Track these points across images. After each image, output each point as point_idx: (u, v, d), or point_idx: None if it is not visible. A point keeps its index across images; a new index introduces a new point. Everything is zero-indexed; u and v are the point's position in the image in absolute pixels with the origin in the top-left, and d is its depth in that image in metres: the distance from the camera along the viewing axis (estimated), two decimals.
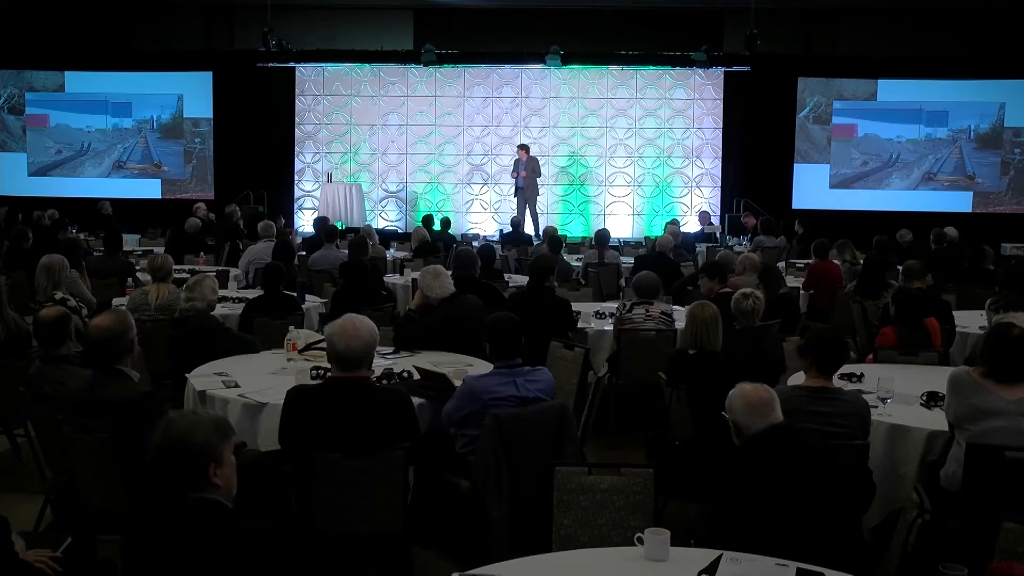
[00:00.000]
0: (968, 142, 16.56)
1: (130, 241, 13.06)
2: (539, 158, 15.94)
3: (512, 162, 15.85)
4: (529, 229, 14.76)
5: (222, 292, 7.17)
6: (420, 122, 17.05)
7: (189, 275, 6.42)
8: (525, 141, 16.22)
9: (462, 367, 5.06)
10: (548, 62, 15.84)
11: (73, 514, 4.12)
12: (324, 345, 4.16)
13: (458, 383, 4.54)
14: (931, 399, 4.69)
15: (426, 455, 4.32)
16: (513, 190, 15.92)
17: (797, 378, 4.75)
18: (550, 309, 6.69)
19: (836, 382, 4.37)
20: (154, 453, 2.62)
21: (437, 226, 13.43)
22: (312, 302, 7.70)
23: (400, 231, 16.17)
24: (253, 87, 16.73)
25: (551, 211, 16.75)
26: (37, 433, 4.92)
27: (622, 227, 16.58)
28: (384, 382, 4.73)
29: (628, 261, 10.95)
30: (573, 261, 11.16)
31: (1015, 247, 14.37)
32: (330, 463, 3.77)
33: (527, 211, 15.40)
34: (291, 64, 16.61)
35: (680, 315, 6.57)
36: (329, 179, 16.58)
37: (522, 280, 8.86)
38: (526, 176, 15.35)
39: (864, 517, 4.13)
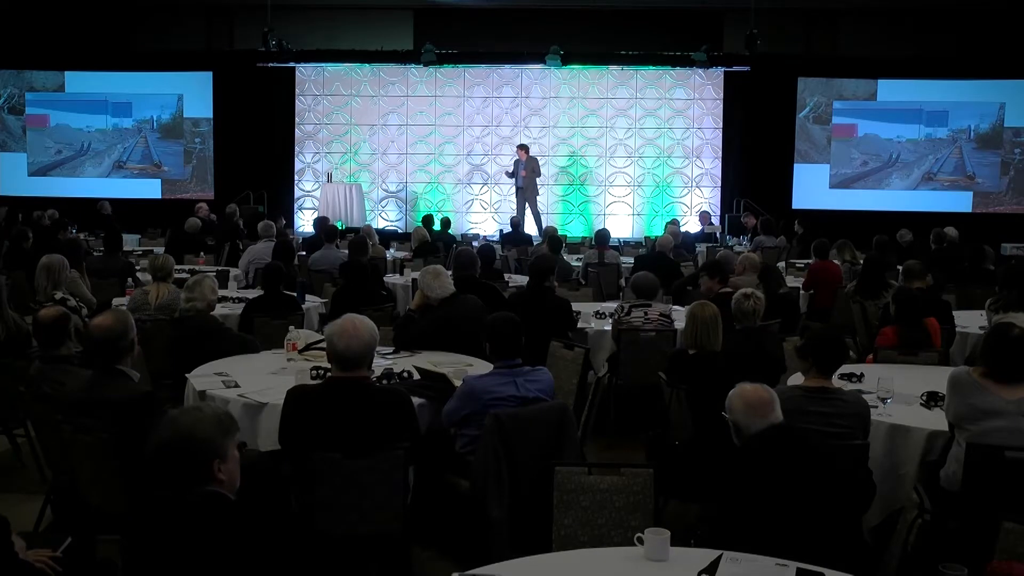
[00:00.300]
0: (968, 142, 16.56)
1: (130, 241, 13.06)
2: (539, 158, 15.93)
3: (512, 162, 15.81)
4: (531, 229, 14.76)
5: (222, 292, 7.17)
6: (420, 122, 17.05)
7: (189, 275, 6.42)
8: (525, 141, 16.23)
9: (462, 367, 5.06)
10: (548, 62, 15.83)
11: (73, 514, 4.12)
12: (324, 345, 4.16)
13: (458, 383, 4.54)
14: (931, 399, 4.69)
15: (426, 455, 4.32)
16: (514, 190, 15.91)
17: (797, 378, 4.74)
18: (550, 309, 6.69)
19: (836, 382, 4.37)
20: (158, 449, 2.64)
21: (437, 226, 13.43)
22: (312, 302, 7.70)
23: (400, 231, 16.17)
24: (253, 87, 16.73)
25: (551, 211, 16.75)
26: (37, 433, 4.92)
27: (622, 227, 16.58)
28: (384, 382, 4.73)
29: (628, 261, 10.95)
30: (573, 261, 11.16)
31: (1015, 247, 14.37)
32: (330, 463, 3.77)
33: (527, 211, 15.40)
34: (291, 64, 16.62)
35: (680, 315, 6.57)
36: (329, 179, 16.58)
37: (522, 280, 8.86)
38: (526, 176, 15.34)
39: (864, 517, 4.12)
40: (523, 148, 15.63)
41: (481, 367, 5.04)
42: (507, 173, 15.92)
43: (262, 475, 3.88)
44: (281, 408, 4.04)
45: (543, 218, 15.93)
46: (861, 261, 9.00)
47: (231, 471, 2.68)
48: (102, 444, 3.86)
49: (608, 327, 6.92)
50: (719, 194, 16.88)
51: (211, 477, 2.62)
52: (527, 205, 15.48)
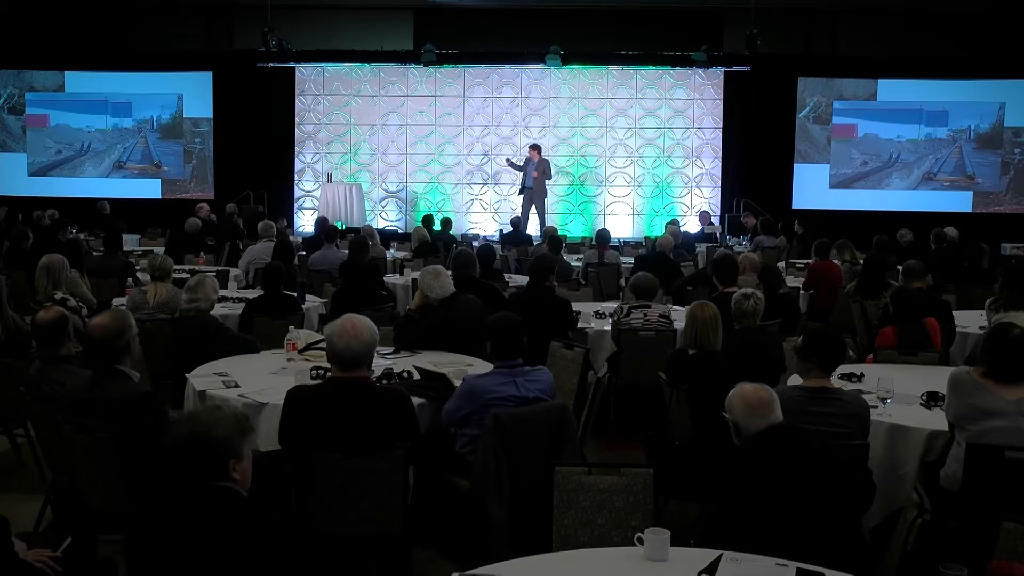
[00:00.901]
0: (968, 142, 16.56)
1: (130, 241, 13.06)
2: None
3: (522, 161, 15.74)
4: (535, 229, 14.72)
5: (222, 292, 7.17)
6: (420, 122, 17.05)
7: (189, 275, 6.43)
8: (526, 141, 16.23)
9: (462, 367, 5.06)
10: (548, 62, 15.83)
11: (73, 514, 4.12)
12: (324, 345, 4.16)
13: (458, 383, 4.54)
14: (931, 399, 4.69)
15: (426, 455, 4.32)
16: (519, 189, 15.85)
17: (797, 378, 4.74)
18: (550, 309, 6.69)
19: (836, 382, 4.37)
20: (176, 445, 2.66)
21: (437, 226, 13.43)
22: (312, 302, 7.70)
23: (400, 231, 16.17)
24: (253, 87, 16.74)
25: (551, 211, 16.73)
26: (37, 433, 4.92)
27: (622, 227, 16.58)
28: (384, 382, 4.73)
29: (628, 261, 10.95)
30: (573, 261, 11.16)
31: (1015, 247, 14.37)
32: (330, 463, 3.77)
33: (532, 211, 15.35)
34: (291, 64, 16.62)
35: (680, 315, 6.57)
36: (329, 179, 16.58)
37: (522, 280, 8.85)
38: (537, 177, 15.30)
39: (864, 517, 4.12)
40: (536, 149, 15.56)
41: (481, 367, 5.04)
42: (508, 160, 15.88)
43: (262, 475, 3.88)
44: (281, 408, 4.04)
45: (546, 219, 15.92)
46: (861, 261, 9.00)
47: (245, 470, 2.72)
48: (102, 444, 3.86)
49: (608, 327, 6.92)
50: (719, 194, 16.87)
51: (226, 476, 2.66)
52: (533, 206, 15.44)
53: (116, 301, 7.46)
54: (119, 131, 17.42)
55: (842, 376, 5.00)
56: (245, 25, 16.76)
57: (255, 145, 16.72)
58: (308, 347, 5.41)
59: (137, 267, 9.04)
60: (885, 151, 16.69)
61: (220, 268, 9.90)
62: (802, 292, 8.98)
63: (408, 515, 3.97)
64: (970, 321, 7.08)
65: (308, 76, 17.09)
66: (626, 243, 14.54)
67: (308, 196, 17.32)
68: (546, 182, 15.57)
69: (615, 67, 16.58)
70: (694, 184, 17.03)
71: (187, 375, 5.02)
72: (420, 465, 4.29)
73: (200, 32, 17.40)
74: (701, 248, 13.06)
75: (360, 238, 9.34)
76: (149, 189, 17.47)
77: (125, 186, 17.38)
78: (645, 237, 15.41)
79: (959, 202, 16.59)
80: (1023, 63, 15.84)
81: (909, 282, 7.14)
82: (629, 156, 17.01)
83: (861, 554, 3.53)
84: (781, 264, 10.74)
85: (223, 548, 2.53)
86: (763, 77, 16.25)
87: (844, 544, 3.28)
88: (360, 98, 17.08)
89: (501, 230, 15.33)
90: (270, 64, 16.19)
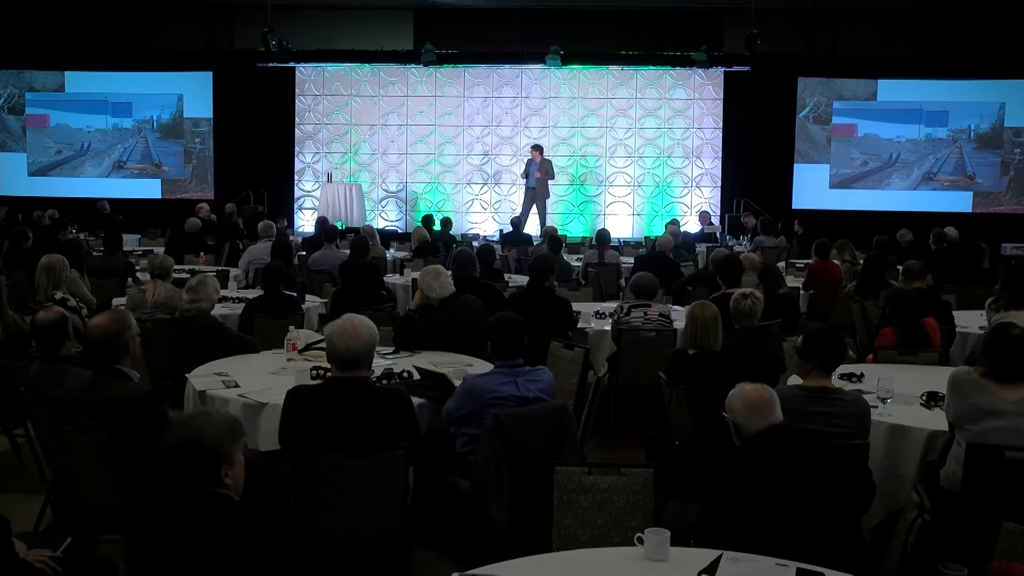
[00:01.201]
0: (968, 142, 16.56)
1: (130, 241, 13.07)
2: None
3: (524, 162, 15.73)
4: (534, 229, 14.71)
5: (222, 292, 7.17)
6: (420, 122, 17.05)
7: (189, 275, 6.42)
8: (526, 141, 16.22)
9: (462, 367, 5.07)
10: (548, 62, 15.83)
11: (73, 514, 4.12)
12: (324, 345, 4.16)
13: (458, 383, 4.54)
14: (931, 399, 4.69)
15: (426, 455, 4.32)
16: (514, 189, 15.84)
17: (796, 379, 4.74)
18: (550, 309, 6.69)
19: (836, 382, 4.37)
20: (168, 451, 2.66)
21: (437, 226, 13.43)
22: (312, 302, 7.70)
23: (400, 231, 16.16)
24: (253, 87, 16.74)
25: (551, 211, 16.73)
26: (37, 433, 4.92)
27: (622, 227, 16.58)
28: (384, 382, 4.73)
29: (628, 261, 10.95)
30: (573, 261, 11.16)
31: (1015, 247, 14.37)
32: (330, 463, 3.77)
33: (532, 211, 15.33)
34: (291, 64, 16.62)
35: (680, 315, 6.57)
36: (329, 179, 16.58)
37: (522, 280, 8.85)
38: (540, 178, 15.29)
39: (864, 517, 4.13)
40: (537, 149, 15.55)
41: (481, 367, 5.04)
42: (523, 175, 15.90)
43: (262, 475, 3.88)
44: (281, 408, 4.04)
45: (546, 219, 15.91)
46: (861, 261, 9.00)
47: (237, 475, 2.71)
48: (102, 444, 3.86)
49: (608, 327, 6.92)
50: (719, 194, 16.87)
51: (218, 481, 2.65)
52: (535, 206, 15.42)
53: (116, 301, 7.46)
54: (119, 131, 17.42)
55: (842, 376, 5.00)
56: (245, 25, 16.75)
57: (255, 145, 16.72)
58: (308, 347, 5.41)
59: (137, 267, 9.04)
60: (885, 151, 16.69)
61: (220, 268, 9.90)
62: (802, 292, 8.98)
63: (408, 515, 3.97)
64: (970, 321, 7.08)
65: (308, 76, 17.09)
66: (626, 243, 14.54)
67: (308, 196, 17.32)
68: (549, 182, 15.56)
69: (615, 67, 16.58)
70: (694, 184, 17.02)
71: (187, 375, 5.02)
72: (420, 465, 4.29)
73: (200, 32, 17.40)
74: (701, 248, 13.05)
75: (360, 238, 9.34)
76: (149, 189, 17.47)
77: (125, 186, 17.38)
78: (645, 237, 15.41)
79: (959, 202, 16.59)
80: (1023, 63, 15.84)
81: (909, 282, 7.13)
82: (629, 156, 17.01)
83: (861, 554, 3.53)
84: (781, 264, 10.74)
85: (217, 554, 2.53)
86: (763, 77, 16.24)
87: (844, 544, 3.28)
88: (360, 98, 17.08)
89: (501, 230, 15.33)
90: (270, 64, 16.19)
